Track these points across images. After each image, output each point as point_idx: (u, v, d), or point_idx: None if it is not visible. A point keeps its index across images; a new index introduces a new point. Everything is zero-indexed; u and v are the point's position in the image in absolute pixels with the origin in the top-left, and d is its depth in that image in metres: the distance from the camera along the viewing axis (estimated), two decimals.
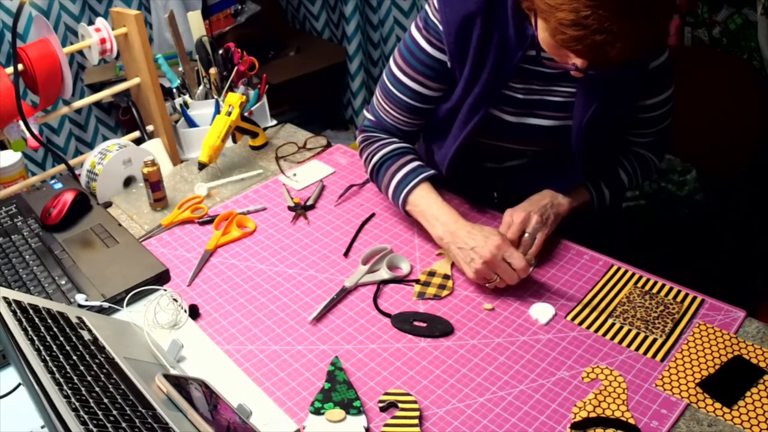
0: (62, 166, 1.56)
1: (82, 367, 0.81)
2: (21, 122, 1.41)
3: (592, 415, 0.92)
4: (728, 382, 0.96)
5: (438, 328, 1.08)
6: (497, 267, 1.11)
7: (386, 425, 0.92)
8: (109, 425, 0.70)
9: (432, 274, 1.19)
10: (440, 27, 1.17)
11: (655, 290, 1.13)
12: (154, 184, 1.40)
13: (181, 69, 1.78)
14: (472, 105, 1.20)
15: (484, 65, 1.17)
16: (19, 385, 0.94)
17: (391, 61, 1.28)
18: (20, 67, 1.39)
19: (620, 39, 0.93)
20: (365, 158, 1.34)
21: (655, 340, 1.04)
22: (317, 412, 0.93)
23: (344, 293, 1.17)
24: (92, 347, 0.88)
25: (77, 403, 0.71)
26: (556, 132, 1.23)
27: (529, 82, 1.19)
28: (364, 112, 1.39)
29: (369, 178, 1.38)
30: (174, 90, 1.79)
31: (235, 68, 1.70)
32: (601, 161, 1.29)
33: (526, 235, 1.17)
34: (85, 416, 0.69)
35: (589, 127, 1.18)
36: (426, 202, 1.23)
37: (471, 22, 1.13)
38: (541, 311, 1.10)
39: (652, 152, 1.34)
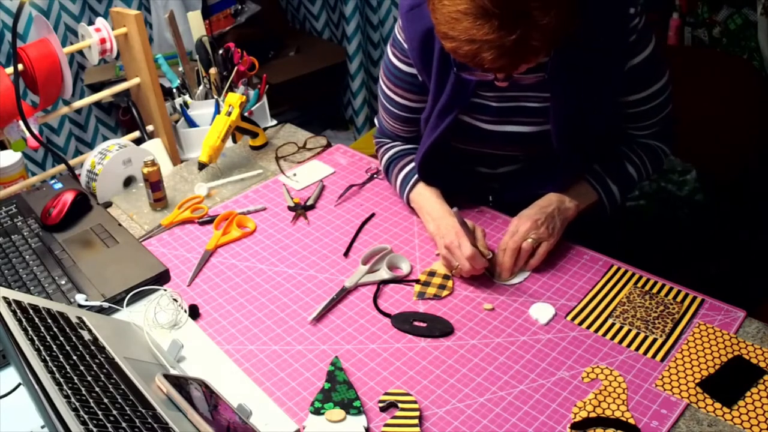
0: (62, 166, 1.56)
1: (82, 367, 0.81)
2: (21, 122, 1.41)
3: (592, 415, 0.92)
4: (728, 382, 0.96)
5: (438, 328, 1.08)
6: (453, 253, 1.16)
7: (386, 425, 0.92)
8: (109, 425, 0.70)
9: (432, 274, 1.19)
10: (405, 45, 1.23)
11: (655, 290, 1.13)
12: (154, 184, 1.40)
13: (181, 69, 1.78)
14: (439, 113, 1.24)
15: (448, 75, 1.20)
16: (19, 385, 0.94)
17: (380, 74, 1.35)
18: (20, 67, 1.40)
19: (486, 47, 0.96)
20: (379, 160, 1.45)
21: (655, 340, 1.04)
22: (317, 412, 0.93)
23: (344, 293, 1.17)
24: (92, 347, 0.88)
25: (77, 403, 0.71)
26: (539, 137, 1.23)
27: (501, 90, 1.20)
28: (375, 118, 1.47)
29: (369, 179, 1.47)
30: (174, 90, 1.79)
31: (235, 68, 1.70)
32: (602, 159, 1.29)
33: (529, 240, 1.17)
34: (85, 416, 0.69)
35: (568, 129, 1.19)
36: (423, 199, 1.30)
37: (431, 35, 1.17)
38: (541, 311, 1.10)
39: (659, 140, 1.33)
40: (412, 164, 1.34)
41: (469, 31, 0.95)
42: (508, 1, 0.93)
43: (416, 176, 1.32)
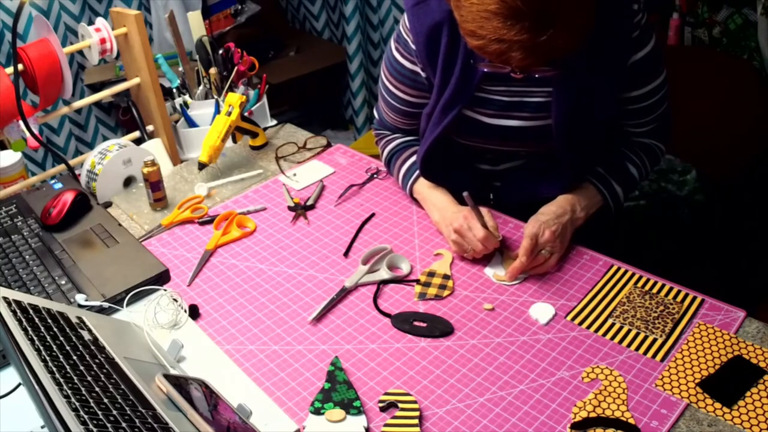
0: (62, 166, 1.56)
1: (82, 367, 0.81)
2: (21, 122, 1.41)
3: (592, 415, 0.92)
4: (728, 382, 0.96)
5: (438, 328, 1.08)
6: (464, 236, 1.19)
7: (386, 425, 0.92)
8: (109, 425, 0.70)
9: (432, 274, 1.19)
10: (411, 43, 1.23)
11: (655, 290, 1.13)
12: (154, 184, 1.40)
13: (181, 69, 1.78)
14: (443, 108, 1.24)
15: (453, 70, 1.20)
16: (19, 385, 0.94)
17: (381, 67, 1.35)
18: (20, 67, 1.39)
19: (515, 48, 0.96)
20: (380, 151, 1.46)
21: (655, 340, 1.04)
22: (317, 412, 0.93)
23: (344, 293, 1.17)
24: (92, 347, 0.88)
25: (77, 403, 0.71)
26: (540, 132, 1.23)
27: (508, 84, 1.21)
28: (374, 109, 1.47)
29: (369, 179, 1.47)
30: (174, 90, 1.79)
31: (235, 68, 1.70)
32: (602, 158, 1.29)
33: (544, 252, 1.17)
34: (85, 416, 0.69)
35: (569, 124, 1.19)
36: (427, 190, 1.33)
37: (438, 30, 1.18)
38: (541, 311, 1.10)
39: (656, 138, 1.33)
40: (413, 158, 1.35)
41: (499, 31, 0.95)
42: (540, 1, 0.93)
43: (417, 172, 1.33)
